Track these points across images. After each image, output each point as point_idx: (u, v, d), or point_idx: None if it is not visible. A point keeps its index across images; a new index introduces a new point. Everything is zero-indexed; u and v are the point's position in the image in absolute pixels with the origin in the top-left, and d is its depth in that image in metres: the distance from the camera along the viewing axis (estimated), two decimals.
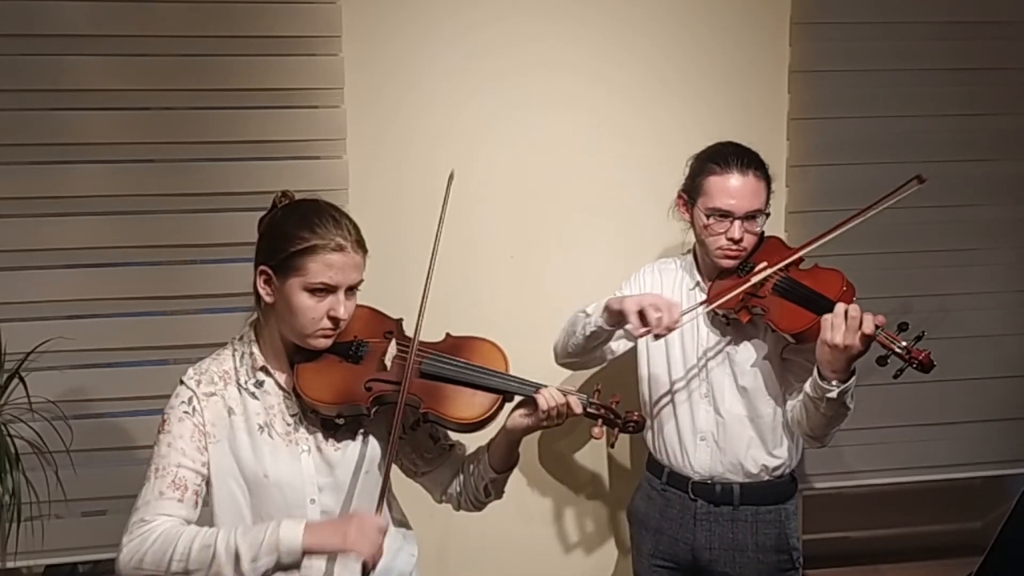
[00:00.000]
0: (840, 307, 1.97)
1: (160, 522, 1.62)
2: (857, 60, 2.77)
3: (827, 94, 2.77)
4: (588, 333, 2.24)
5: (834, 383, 1.99)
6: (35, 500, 2.46)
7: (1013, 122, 2.88)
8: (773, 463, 2.27)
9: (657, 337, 2.12)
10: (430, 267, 1.77)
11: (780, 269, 2.17)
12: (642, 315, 2.08)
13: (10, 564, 2.52)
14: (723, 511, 2.29)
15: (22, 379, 2.43)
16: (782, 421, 2.26)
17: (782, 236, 2.72)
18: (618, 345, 2.41)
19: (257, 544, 1.57)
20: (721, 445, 2.27)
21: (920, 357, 1.98)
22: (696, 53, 2.70)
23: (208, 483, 1.70)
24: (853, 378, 2.01)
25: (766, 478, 2.28)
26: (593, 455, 2.82)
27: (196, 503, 1.68)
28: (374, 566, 1.61)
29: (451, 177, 1.80)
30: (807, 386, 2.07)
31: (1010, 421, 2.97)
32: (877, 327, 1.97)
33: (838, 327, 1.95)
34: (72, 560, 2.57)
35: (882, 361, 2.03)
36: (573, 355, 2.35)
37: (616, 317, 2.15)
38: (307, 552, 1.59)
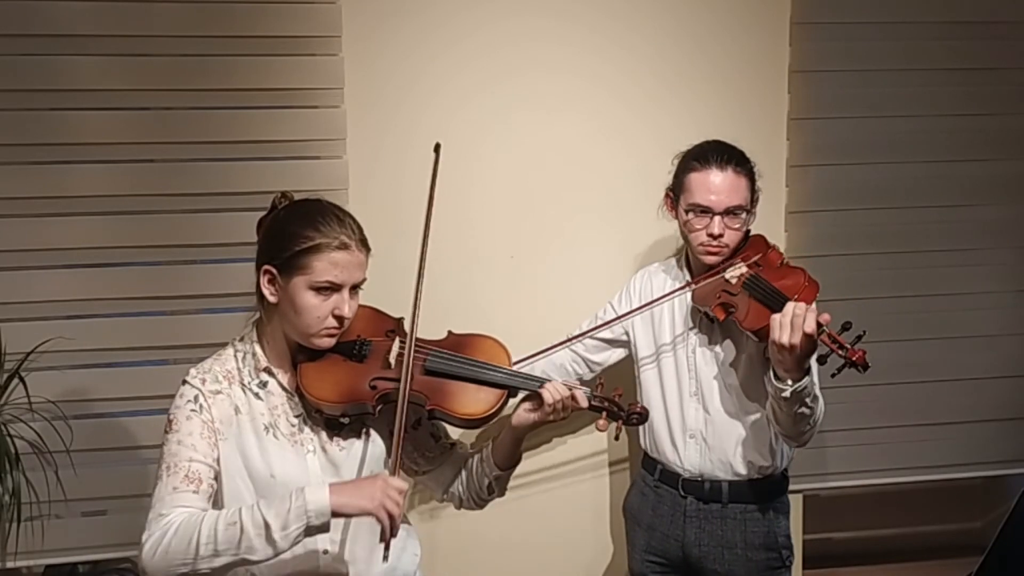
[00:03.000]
0: (789, 306, 1.97)
1: (178, 513, 1.59)
2: (857, 60, 2.77)
3: (827, 94, 2.77)
4: None
5: (788, 383, 1.99)
6: (35, 500, 2.46)
7: (1013, 122, 2.88)
8: (762, 462, 2.28)
9: None
10: (423, 248, 1.76)
11: (751, 263, 2.19)
12: None
13: (10, 564, 2.52)
14: (712, 508, 2.30)
15: (22, 379, 2.43)
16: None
17: (782, 236, 2.74)
18: (602, 357, 2.44)
19: (284, 512, 1.55)
20: (710, 443, 2.28)
21: (855, 357, 1.98)
22: (696, 53, 2.70)
23: (218, 479, 1.70)
24: (807, 378, 2.00)
25: (755, 476, 2.29)
26: (592, 451, 2.82)
27: (210, 496, 1.66)
28: (394, 533, 1.58)
29: (437, 148, 1.80)
30: (768, 387, 2.08)
31: (1010, 421, 2.97)
32: (820, 325, 1.97)
33: (785, 326, 1.95)
34: (72, 560, 2.57)
35: (822, 360, 2.03)
36: None
37: None
38: (335, 514, 1.57)
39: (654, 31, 2.68)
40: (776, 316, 1.97)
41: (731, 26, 2.70)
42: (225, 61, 2.51)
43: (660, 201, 2.36)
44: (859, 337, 2.01)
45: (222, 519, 1.56)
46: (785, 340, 1.94)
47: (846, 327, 2.01)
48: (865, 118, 2.79)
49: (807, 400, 2.03)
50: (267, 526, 1.54)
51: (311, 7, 2.52)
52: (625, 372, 2.45)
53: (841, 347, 2.00)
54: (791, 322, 1.94)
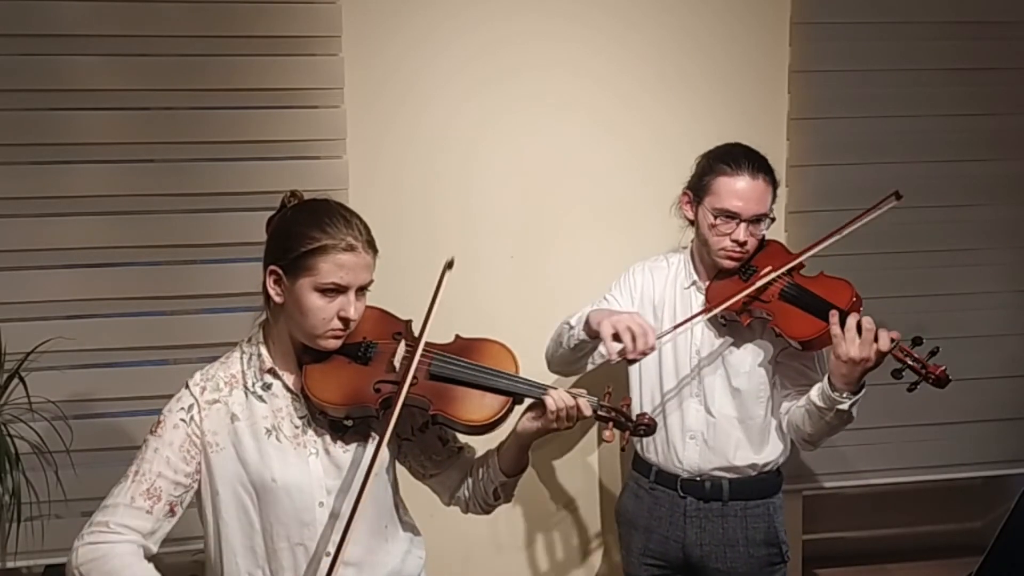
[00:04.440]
0: (853, 319, 1.97)
1: (124, 540, 1.60)
2: (857, 60, 2.77)
3: (827, 94, 2.77)
4: (572, 345, 2.25)
5: (846, 395, 2.00)
6: (35, 500, 2.46)
7: (1013, 122, 2.88)
8: (761, 461, 2.28)
9: (631, 362, 2.11)
10: (423, 329, 1.73)
11: (784, 273, 2.17)
12: (616, 338, 2.06)
13: (10, 564, 2.52)
14: (713, 507, 2.29)
15: (22, 379, 2.43)
16: (773, 424, 2.26)
17: (782, 236, 2.74)
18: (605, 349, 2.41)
19: None
20: (711, 444, 2.27)
21: (937, 372, 2.00)
22: (696, 53, 2.70)
23: (214, 493, 1.69)
24: (864, 390, 2.01)
25: (754, 474, 2.29)
26: (581, 456, 2.82)
27: (171, 512, 1.66)
28: None
29: (449, 265, 1.72)
30: (814, 396, 2.07)
31: (1010, 421, 2.97)
32: (892, 340, 1.97)
33: (852, 340, 1.95)
34: None
35: (897, 374, 2.04)
36: (562, 364, 2.37)
37: (595, 332, 2.14)
38: None
39: (654, 31, 2.68)
40: (838, 331, 1.97)
41: (731, 26, 2.70)
42: (225, 61, 2.51)
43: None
44: (932, 353, 2.02)
45: None
46: (855, 354, 1.95)
47: (917, 342, 2.01)
48: (865, 118, 2.79)
49: (853, 410, 2.04)
50: None
51: (311, 7, 2.52)
52: (620, 372, 2.44)
53: (918, 362, 2.01)
54: (864, 337, 1.94)
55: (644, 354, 2.06)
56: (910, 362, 2.01)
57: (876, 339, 1.95)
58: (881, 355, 1.96)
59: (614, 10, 2.66)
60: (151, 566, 1.61)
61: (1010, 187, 2.90)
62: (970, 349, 2.91)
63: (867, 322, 1.97)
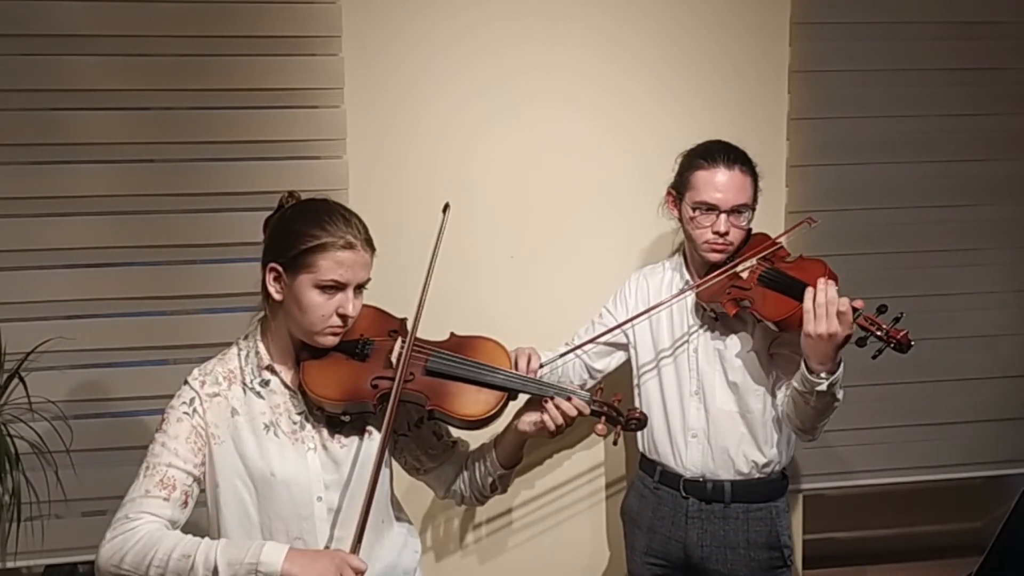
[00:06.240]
0: (820, 295, 1.97)
1: (144, 521, 1.61)
2: (857, 60, 2.77)
3: (827, 94, 2.77)
4: None
5: (823, 375, 1.99)
6: (35, 500, 2.46)
7: (1013, 122, 2.88)
8: (763, 459, 2.28)
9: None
10: (425, 286, 1.77)
11: (762, 258, 2.21)
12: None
13: (10, 564, 2.52)
14: (714, 509, 2.30)
15: (22, 379, 2.43)
16: (772, 416, 2.26)
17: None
18: (604, 363, 2.44)
19: (237, 562, 1.56)
20: (712, 442, 2.28)
21: (898, 337, 1.99)
22: (696, 53, 2.70)
23: (215, 485, 1.71)
24: (840, 368, 2.01)
25: (757, 476, 2.29)
26: (588, 455, 2.82)
27: (184, 503, 1.68)
28: None
29: (446, 208, 1.77)
30: (795, 380, 2.08)
31: (1010, 421, 2.97)
32: (856, 310, 1.97)
33: (820, 316, 1.95)
34: (72, 560, 2.57)
35: (861, 342, 2.03)
36: None
37: None
38: None
39: (654, 31, 2.68)
40: (809, 306, 1.97)
41: (731, 26, 2.70)
42: (225, 61, 2.51)
43: (661, 199, 2.36)
44: (897, 319, 2.01)
45: (179, 548, 1.57)
46: (823, 330, 1.94)
47: (882, 310, 2.02)
48: (865, 118, 2.79)
49: (836, 391, 2.03)
50: (216, 570, 1.55)
51: (311, 7, 2.52)
52: (623, 377, 2.45)
53: (881, 329, 2.00)
54: (827, 310, 1.94)
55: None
56: (872, 329, 2.00)
57: (839, 311, 1.94)
58: (847, 325, 1.94)
59: (614, 11, 2.66)
60: (178, 533, 1.61)
61: (1010, 187, 2.90)
62: (970, 349, 2.92)
63: (829, 292, 1.96)
